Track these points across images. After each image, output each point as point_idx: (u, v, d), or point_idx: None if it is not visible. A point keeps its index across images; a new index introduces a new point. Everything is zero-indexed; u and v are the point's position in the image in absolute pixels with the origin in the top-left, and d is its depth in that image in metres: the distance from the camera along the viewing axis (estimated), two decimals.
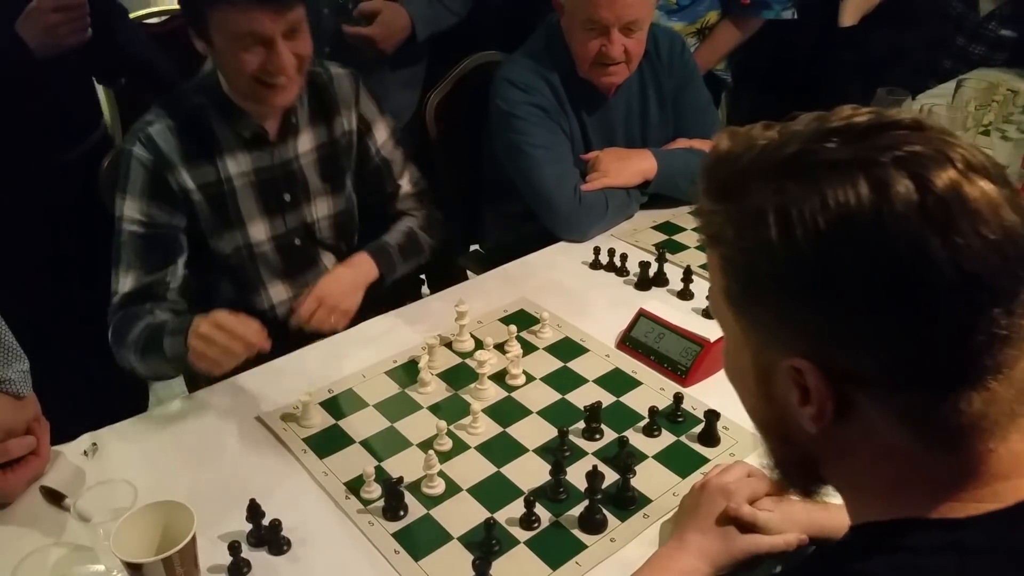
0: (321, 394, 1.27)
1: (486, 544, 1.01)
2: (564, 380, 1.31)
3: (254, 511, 1.00)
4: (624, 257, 1.61)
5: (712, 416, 1.18)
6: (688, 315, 1.48)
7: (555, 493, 1.09)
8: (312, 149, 1.51)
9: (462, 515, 1.06)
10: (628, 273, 1.61)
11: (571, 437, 1.18)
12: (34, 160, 1.70)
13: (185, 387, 1.65)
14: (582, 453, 1.16)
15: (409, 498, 1.07)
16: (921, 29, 2.50)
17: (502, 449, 1.17)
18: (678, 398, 1.22)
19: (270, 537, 1.01)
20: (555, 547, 1.02)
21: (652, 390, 1.29)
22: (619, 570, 0.99)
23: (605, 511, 1.05)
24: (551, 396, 1.28)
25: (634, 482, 1.09)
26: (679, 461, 1.15)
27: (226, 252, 1.46)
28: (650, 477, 1.12)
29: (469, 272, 2.12)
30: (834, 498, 0.65)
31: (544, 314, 1.42)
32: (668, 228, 1.78)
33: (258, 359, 1.25)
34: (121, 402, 1.95)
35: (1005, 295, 0.50)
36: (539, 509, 1.05)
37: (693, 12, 2.19)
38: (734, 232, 0.56)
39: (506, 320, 1.45)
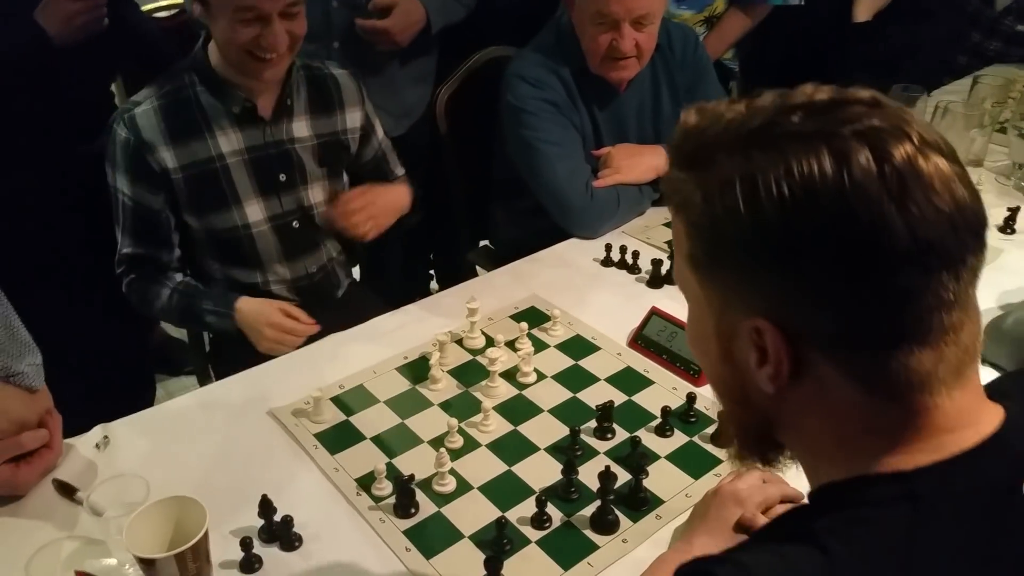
0: (332, 390, 1.26)
1: (498, 543, 1.01)
2: (575, 378, 1.31)
3: (266, 507, 1.00)
4: (636, 254, 1.60)
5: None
6: None
7: (567, 493, 1.08)
8: (311, 136, 1.54)
9: (473, 513, 1.06)
10: (640, 270, 1.60)
11: (583, 436, 1.17)
12: (50, 151, 1.71)
13: (196, 382, 1.66)
14: (594, 452, 1.16)
15: (420, 495, 1.07)
16: (936, 24, 2.47)
17: (513, 447, 1.17)
18: (691, 398, 1.22)
19: (282, 533, 1.01)
20: (567, 547, 1.02)
21: (664, 389, 1.28)
22: (631, 571, 0.98)
23: (617, 512, 1.05)
24: (562, 394, 1.27)
25: (646, 483, 1.09)
26: (692, 462, 1.15)
27: (219, 228, 1.49)
28: (662, 478, 1.12)
29: (479, 268, 2.12)
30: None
31: (555, 311, 1.42)
32: None
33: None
34: (131, 393, 1.97)
35: (953, 261, 0.53)
36: (551, 508, 1.05)
37: (700, 0, 2.17)
38: (701, 198, 0.59)
39: (517, 317, 1.45)
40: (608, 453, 1.16)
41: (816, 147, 0.54)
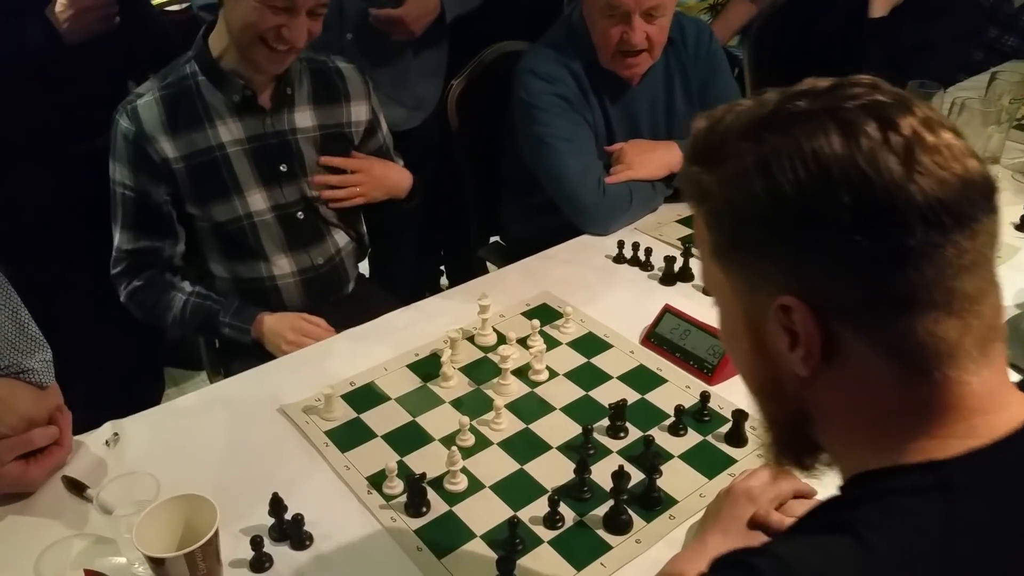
0: (343, 387, 1.25)
1: (510, 543, 0.99)
2: (588, 376, 1.29)
3: (277, 505, 0.99)
4: (648, 251, 1.59)
5: (740, 416, 1.16)
6: (714, 311, 1.45)
7: (579, 492, 1.07)
8: (314, 127, 1.54)
9: (485, 513, 1.05)
10: (652, 267, 1.58)
11: (595, 435, 1.16)
12: (61, 148, 1.71)
13: (207, 378, 1.65)
14: (606, 451, 1.15)
15: (432, 494, 1.06)
16: (952, 20, 2.44)
17: (525, 446, 1.16)
18: (705, 397, 1.20)
19: (292, 532, 1.00)
20: (579, 547, 1.00)
21: (678, 388, 1.27)
22: (645, 572, 0.97)
23: (630, 511, 1.04)
24: (575, 392, 1.26)
25: (660, 482, 1.07)
26: (705, 461, 1.13)
27: (221, 220, 1.49)
28: (676, 477, 1.10)
29: (489, 264, 2.11)
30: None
31: (567, 309, 1.41)
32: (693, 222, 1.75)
33: None
34: (140, 388, 1.97)
35: (966, 219, 0.55)
36: (563, 508, 1.04)
37: None
38: (718, 186, 0.61)
39: (529, 314, 1.43)
40: (621, 452, 1.15)
41: (823, 123, 0.56)
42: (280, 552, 0.99)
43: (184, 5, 2.25)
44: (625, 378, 1.29)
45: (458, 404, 1.23)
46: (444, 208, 2.15)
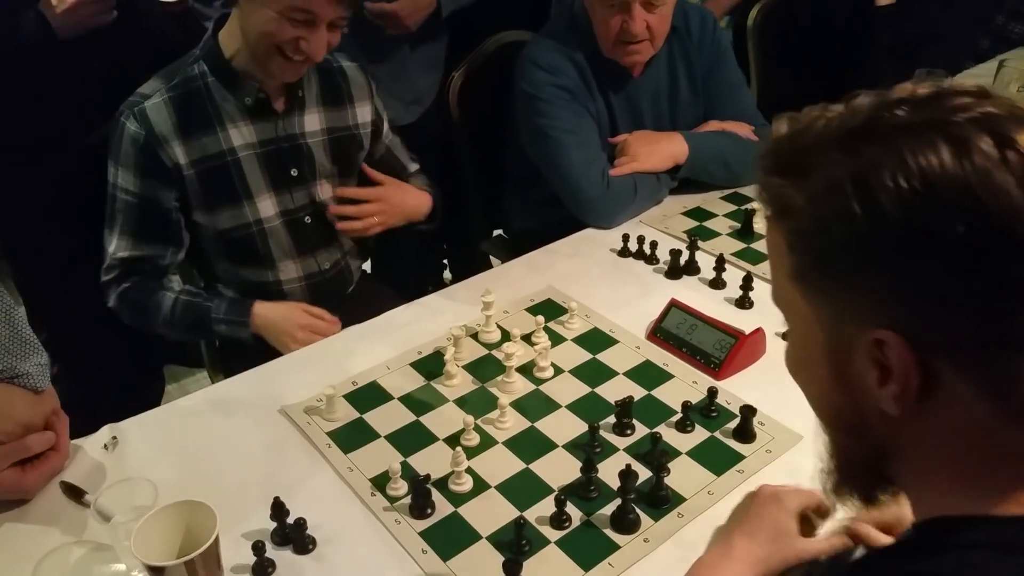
0: (345, 386, 1.24)
1: (516, 544, 0.98)
2: (594, 373, 1.27)
3: (278, 509, 0.98)
4: (654, 244, 1.56)
5: (748, 411, 1.14)
6: (721, 305, 1.43)
7: (586, 491, 1.05)
8: (322, 130, 1.50)
9: (491, 513, 1.03)
10: (658, 261, 1.56)
11: (602, 432, 1.14)
12: (59, 144, 1.69)
13: (209, 378, 1.63)
14: (613, 449, 1.13)
15: (436, 495, 1.04)
16: (959, 7, 2.41)
17: (531, 445, 1.14)
18: (712, 392, 1.18)
19: (295, 535, 0.98)
20: (587, 547, 0.99)
21: (684, 383, 1.25)
22: (653, 571, 0.96)
23: (638, 510, 1.02)
24: (580, 389, 1.24)
25: (667, 480, 1.05)
26: (713, 458, 1.12)
27: (228, 226, 1.45)
28: (684, 474, 1.08)
29: (492, 259, 2.09)
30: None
31: (572, 304, 1.38)
32: (699, 214, 1.73)
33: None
34: (139, 387, 1.95)
35: None
36: (570, 508, 1.02)
37: None
38: (805, 202, 0.55)
39: (533, 310, 1.41)
40: (627, 450, 1.13)
41: (930, 137, 0.51)
42: (283, 557, 0.97)
43: None
44: (631, 374, 1.27)
45: (462, 403, 1.21)
46: (446, 202, 2.12)
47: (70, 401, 1.67)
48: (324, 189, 1.53)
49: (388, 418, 1.18)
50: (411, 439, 1.15)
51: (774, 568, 0.87)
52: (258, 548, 0.94)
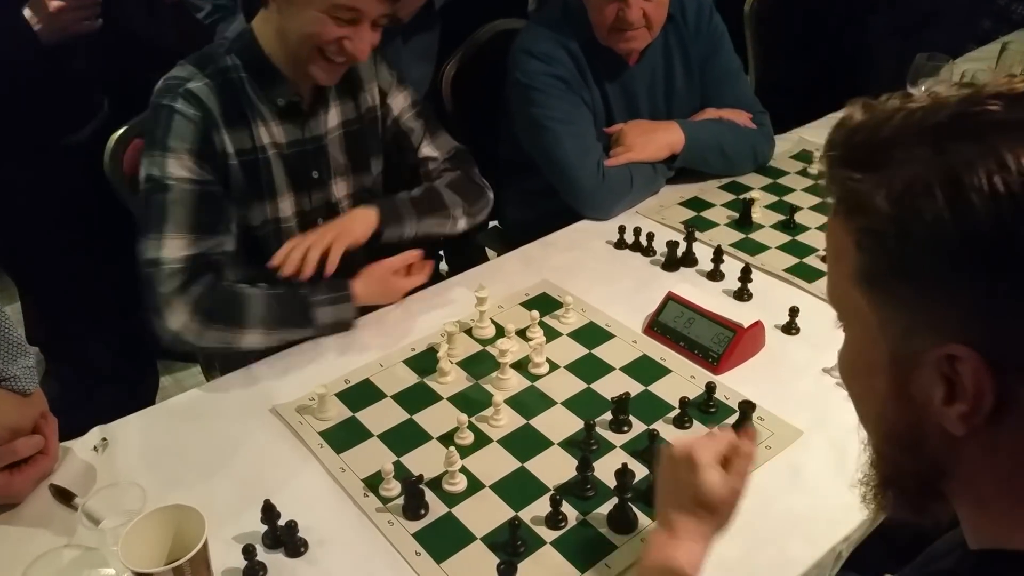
0: (337, 385, 1.22)
1: (511, 545, 0.97)
2: (589, 368, 1.26)
3: (269, 512, 0.96)
4: (650, 236, 1.54)
5: (747, 407, 1.12)
6: (719, 297, 1.42)
7: (582, 490, 1.04)
8: (338, 124, 1.44)
9: (485, 514, 1.02)
10: (655, 253, 1.54)
11: (598, 429, 1.13)
12: (44, 144, 1.67)
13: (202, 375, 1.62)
14: (610, 446, 1.11)
15: (430, 495, 1.03)
16: None
17: (526, 443, 1.12)
18: (710, 387, 1.17)
19: (286, 538, 0.97)
20: (583, 548, 0.97)
21: (682, 378, 1.23)
22: None
23: (635, 509, 1.00)
24: (576, 385, 1.22)
25: None
26: None
27: (255, 224, 1.39)
28: None
29: (488, 250, 2.07)
30: None
31: (567, 298, 1.37)
32: (697, 204, 1.70)
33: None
34: (134, 384, 1.94)
35: None
36: (566, 507, 1.01)
37: None
38: (886, 201, 0.50)
39: (528, 304, 1.39)
40: (625, 447, 1.11)
41: None
42: (274, 560, 0.96)
43: None
44: (628, 369, 1.25)
45: (456, 400, 1.20)
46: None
47: (64, 398, 1.67)
48: (339, 188, 1.47)
49: (381, 417, 1.17)
50: (404, 438, 1.13)
51: (722, 528, 0.84)
52: (248, 552, 0.93)
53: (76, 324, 1.86)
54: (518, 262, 1.54)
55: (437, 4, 1.85)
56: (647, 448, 1.10)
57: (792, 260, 1.52)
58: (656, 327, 1.32)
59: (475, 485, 1.06)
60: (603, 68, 1.70)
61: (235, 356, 1.33)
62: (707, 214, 1.67)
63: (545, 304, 1.40)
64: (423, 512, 1.02)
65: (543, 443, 1.12)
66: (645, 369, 1.25)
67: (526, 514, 1.01)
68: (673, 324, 1.31)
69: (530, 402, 1.19)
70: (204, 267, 1.27)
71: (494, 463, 1.09)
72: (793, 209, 1.63)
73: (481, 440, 1.13)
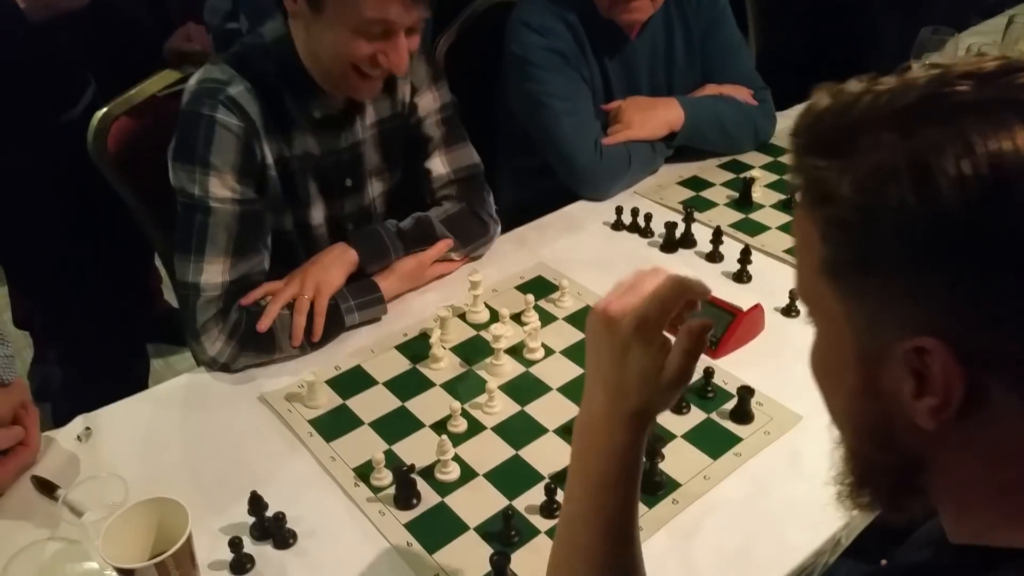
0: (327, 371, 1.19)
1: (505, 535, 0.95)
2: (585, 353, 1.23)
3: (256, 503, 0.94)
4: (648, 217, 1.51)
5: (745, 392, 1.10)
6: (718, 279, 1.39)
7: None
8: (373, 123, 1.38)
9: (478, 503, 1.00)
10: (653, 234, 1.51)
11: None
12: (34, 127, 1.64)
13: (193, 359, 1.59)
14: None
15: (422, 484, 1.01)
16: None
17: (520, 430, 1.10)
18: (708, 372, 1.14)
19: (274, 530, 0.95)
20: None
21: None
22: (647, 561, 0.92)
23: None
24: (572, 371, 1.20)
25: (661, 465, 1.02)
26: (710, 440, 1.08)
27: (285, 229, 1.34)
28: (679, 459, 1.05)
29: None
30: None
31: (563, 281, 1.34)
32: (696, 184, 1.67)
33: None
34: (125, 368, 1.92)
35: None
36: (561, 496, 0.98)
37: None
38: (851, 189, 0.48)
39: (523, 288, 1.36)
40: None
41: (1005, 119, 0.44)
42: (262, 552, 0.94)
43: None
44: None
45: (449, 386, 1.17)
46: None
47: (53, 383, 1.64)
48: (374, 188, 1.42)
49: (372, 404, 1.14)
50: (396, 426, 1.11)
51: (653, 415, 0.74)
52: (235, 544, 0.90)
53: (65, 308, 1.83)
54: (513, 245, 1.51)
55: None
56: None
57: (793, 241, 1.48)
58: None
59: (468, 474, 1.03)
60: (603, 42, 1.65)
61: None
62: (706, 194, 1.64)
63: (540, 287, 1.37)
64: (415, 502, 0.99)
65: (538, 430, 1.10)
66: None
67: (520, 503, 0.99)
68: None
69: (525, 388, 1.17)
70: (241, 292, 1.22)
71: (488, 451, 1.07)
72: (794, 188, 1.59)
73: (475, 427, 1.10)
